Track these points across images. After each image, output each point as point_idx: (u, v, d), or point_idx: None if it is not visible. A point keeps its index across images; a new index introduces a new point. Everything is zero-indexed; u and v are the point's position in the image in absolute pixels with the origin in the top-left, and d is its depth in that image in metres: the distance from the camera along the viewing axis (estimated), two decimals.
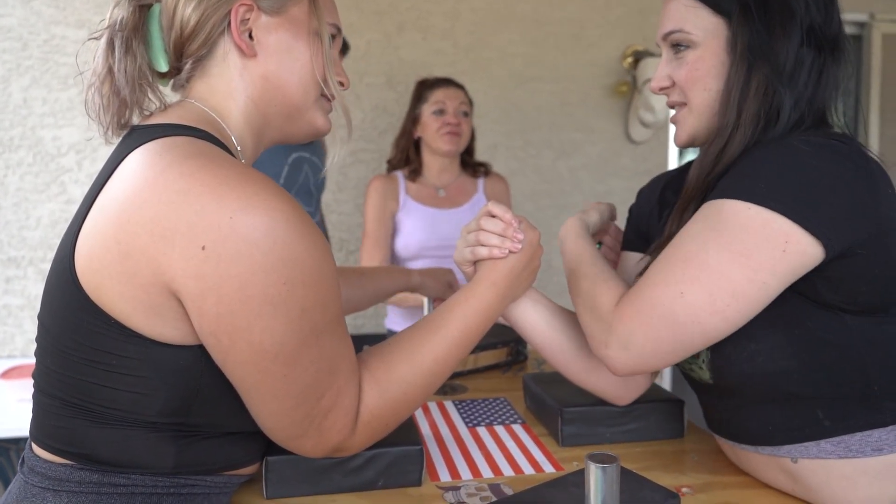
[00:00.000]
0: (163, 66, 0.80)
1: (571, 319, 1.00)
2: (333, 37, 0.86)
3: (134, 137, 0.74)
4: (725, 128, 0.85)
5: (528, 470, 0.92)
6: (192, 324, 0.67)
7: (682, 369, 0.92)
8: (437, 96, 2.03)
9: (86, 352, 0.68)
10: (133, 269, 0.66)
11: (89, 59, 0.78)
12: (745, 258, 0.74)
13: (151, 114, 0.79)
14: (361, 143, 2.70)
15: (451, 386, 1.29)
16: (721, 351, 0.83)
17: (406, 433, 0.89)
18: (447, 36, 2.76)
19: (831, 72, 0.85)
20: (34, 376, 0.75)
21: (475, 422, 1.09)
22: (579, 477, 0.73)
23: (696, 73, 0.87)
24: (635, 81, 2.89)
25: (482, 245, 0.90)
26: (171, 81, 0.83)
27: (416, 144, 2.09)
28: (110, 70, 0.75)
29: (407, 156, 2.10)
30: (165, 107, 0.79)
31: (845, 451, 0.80)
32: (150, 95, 0.78)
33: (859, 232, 0.75)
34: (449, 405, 1.17)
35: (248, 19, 0.79)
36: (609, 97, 2.94)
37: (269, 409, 0.71)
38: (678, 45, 0.89)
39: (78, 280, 0.68)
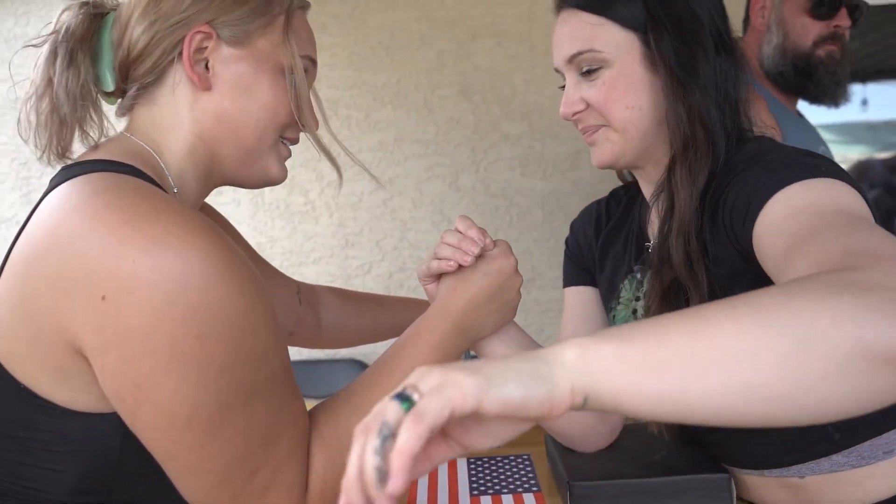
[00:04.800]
0: (109, 85, 0.72)
1: None
2: (307, 71, 0.77)
3: (57, 178, 0.67)
4: (690, 148, 0.80)
5: None
6: None
7: None
8: None
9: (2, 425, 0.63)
10: (37, 329, 0.59)
11: (26, 71, 0.71)
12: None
13: (89, 149, 0.72)
14: (436, 157, 2.62)
15: None
16: None
17: None
18: (523, 40, 2.62)
19: (740, 75, 0.83)
20: None
21: (482, 489, 0.97)
22: None
23: (616, 93, 0.82)
24: None
25: (437, 258, 0.80)
26: (118, 102, 0.76)
27: None
28: (50, 82, 0.68)
29: None
30: (97, 144, 0.71)
31: (858, 459, 0.79)
32: (93, 114, 0.71)
33: None
34: (461, 463, 1.05)
35: (206, 48, 0.71)
36: None
37: (189, 485, 0.62)
38: (588, 66, 0.83)
39: None
